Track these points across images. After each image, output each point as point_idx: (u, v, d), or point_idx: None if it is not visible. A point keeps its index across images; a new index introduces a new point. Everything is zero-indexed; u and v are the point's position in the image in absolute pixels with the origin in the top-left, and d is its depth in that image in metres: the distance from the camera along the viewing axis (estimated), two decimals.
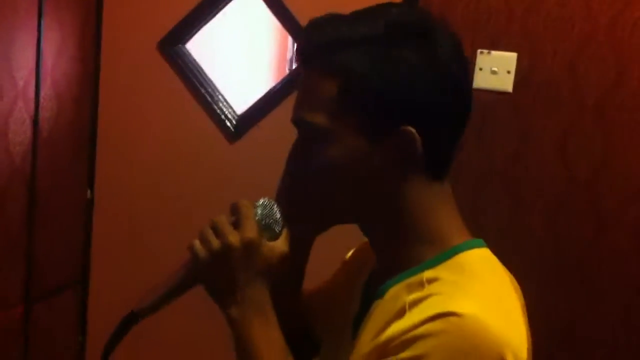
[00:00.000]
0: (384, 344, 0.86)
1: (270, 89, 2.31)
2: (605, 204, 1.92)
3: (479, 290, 0.88)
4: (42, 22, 2.02)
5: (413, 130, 0.86)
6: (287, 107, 2.12)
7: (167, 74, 2.27)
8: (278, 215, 0.92)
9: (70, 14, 2.17)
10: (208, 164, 2.26)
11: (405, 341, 0.83)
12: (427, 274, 0.89)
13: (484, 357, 0.83)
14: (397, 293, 0.90)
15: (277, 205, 0.93)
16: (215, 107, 2.26)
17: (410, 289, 0.89)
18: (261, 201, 0.93)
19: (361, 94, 0.86)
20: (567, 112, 1.93)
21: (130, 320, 0.95)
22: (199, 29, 2.28)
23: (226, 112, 2.27)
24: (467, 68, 0.93)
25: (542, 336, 0.98)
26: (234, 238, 0.89)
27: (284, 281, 1.00)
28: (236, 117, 2.27)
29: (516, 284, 0.96)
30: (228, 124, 2.25)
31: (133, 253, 2.36)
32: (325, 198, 0.92)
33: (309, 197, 0.93)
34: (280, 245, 0.93)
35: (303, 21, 2.08)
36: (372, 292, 0.96)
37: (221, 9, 2.28)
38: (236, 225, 0.91)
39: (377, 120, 0.87)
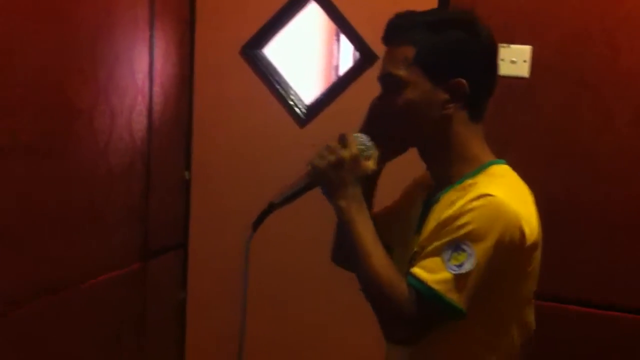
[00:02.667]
0: (443, 221, 1.31)
1: (330, 86, 2.80)
2: None
3: (504, 184, 1.36)
4: (153, 34, 2.52)
5: (463, 81, 1.35)
6: (342, 100, 2.62)
7: (248, 73, 2.74)
8: (368, 143, 1.41)
9: (172, 26, 2.66)
10: (283, 144, 2.71)
11: (457, 215, 1.29)
12: (468, 181, 1.36)
13: (508, 223, 1.29)
14: (448, 196, 1.37)
15: (368, 136, 1.41)
16: (288, 99, 2.76)
17: (458, 192, 1.35)
18: (358, 134, 1.41)
19: (429, 56, 1.36)
20: (572, 91, 2.37)
21: (268, 210, 1.42)
22: (273, 37, 2.78)
23: (297, 103, 2.76)
24: (496, 46, 1.42)
25: None
26: (344, 153, 1.37)
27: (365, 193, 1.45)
28: (305, 107, 2.77)
29: (530, 190, 1.42)
30: (298, 112, 2.75)
31: (223, 222, 2.82)
32: (402, 126, 1.40)
33: (390, 127, 1.41)
34: (371, 163, 1.41)
35: (360, 29, 2.57)
36: (429, 202, 1.43)
37: (289, 21, 2.78)
38: (343, 146, 1.38)
39: (439, 73, 1.36)
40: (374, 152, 1.41)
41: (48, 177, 2.08)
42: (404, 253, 1.44)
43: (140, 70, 2.48)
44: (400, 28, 1.39)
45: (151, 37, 2.52)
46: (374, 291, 1.33)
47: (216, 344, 2.81)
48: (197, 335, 2.92)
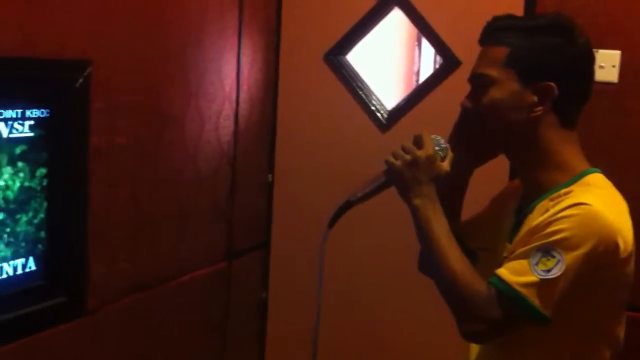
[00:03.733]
0: (534, 227, 1.31)
1: (412, 91, 2.82)
2: None
3: (601, 194, 1.34)
4: (241, 40, 2.60)
5: (553, 84, 1.35)
6: (424, 105, 2.63)
7: (331, 79, 2.79)
8: (444, 145, 1.43)
9: (258, 34, 2.74)
10: (364, 149, 2.74)
11: (550, 222, 1.29)
12: (563, 190, 1.35)
13: (603, 235, 1.27)
14: (542, 206, 1.36)
15: (443, 138, 1.43)
16: (370, 104, 2.79)
17: (552, 200, 1.34)
18: (434, 135, 1.43)
19: (521, 58, 1.37)
20: None
21: (344, 208, 1.45)
22: (356, 43, 2.82)
23: (378, 108, 2.79)
24: (592, 54, 1.41)
25: None
26: (420, 153, 1.40)
27: (447, 196, 1.45)
28: (387, 112, 2.80)
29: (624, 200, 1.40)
30: (380, 117, 2.78)
31: (304, 224, 2.85)
32: (487, 126, 1.41)
33: (476, 131, 1.42)
34: (445, 164, 1.42)
35: (443, 35, 2.59)
36: (522, 211, 1.42)
37: (373, 28, 2.81)
38: (418, 147, 1.40)
39: (529, 75, 1.36)
40: (449, 154, 1.43)
41: (141, 178, 2.18)
42: (492, 259, 1.44)
43: (228, 76, 2.57)
44: (496, 30, 1.41)
45: (239, 43, 2.61)
46: (449, 286, 1.35)
47: (296, 343, 2.85)
48: (277, 334, 2.99)
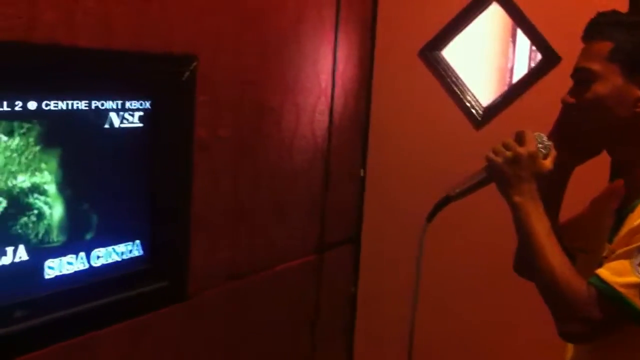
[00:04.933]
0: (636, 227, 1.29)
1: (510, 87, 2.78)
2: None
3: None
4: (337, 36, 2.63)
5: None
6: (520, 102, 2.59)
7: (426, 74, 2.78)
8: (547, 142, 1.40)
9: (355, 28, 2.76)
10: (458, 146, 2.72)
11: None
12: None
13: None
14: None
15: (546, 136, 1.41)
16: (465, 101, 2.77)
17: None
18: (537, 132, 1.41)
19: (626, 52, 1.35)
20: None
21: (443, 202, 1.45)
22: (452, 39, 2.80)
23: (474, 104, 2.77)
24: None
25: None
26: (522, 150, 1.38)
27: (546, 196, 1.42)
28: (482, 109, 2.77)
29: None
30: (475, 114, 2.76)
31: (395, 220, 2.87)
32: (590, 121, 1.39)
33: (578, 127, 1.40)
34: (548, 163, 1.39)
35: (543, 30, 2.54)
36: (623, 211, 1.39)
37: (469, 23, 2.79)
38: (520, 143, 1.38)
39: (634, 70, 1.35)
40: (552, 152, 1.40)
41: (240, 170, 2.25)
42: (591, 259, 1.42)
43: (324, 71, 2.60)
44: (600, 25, 1.39)
45: (335, 39, 2.64)
46: (549, 285, 1.33)
47: (384, 339, 2.88)
48: (366, 329, 3.01)
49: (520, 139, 1.40)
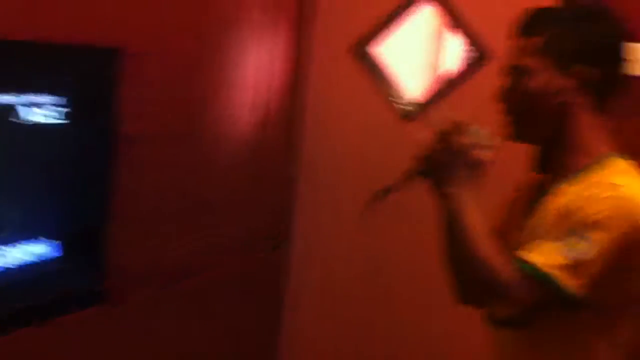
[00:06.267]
0: (565, 209, 1.30)
1: (442, 84, 2.79)
2: None
3: (629, 177, 1.34)
4: (270, 32, 2.59)
5: (587, 69, 1.35)
6: (453, 98, 2.60)
7: (359, 71, 2.77)
8: (485, 132, 1.37)
9: (288, 25, 2.72)
10: (392, 143, 2.68)
11: (582, 204, 1.28)
12: (587, 173, 1.34)
13: (635, 217, 1.26)
14: (565, 189, 1.35)
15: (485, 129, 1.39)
16: (398, 97, 2.76)
17: (580, 182, 1.33)
18: (474, 125, 1.38)
19: (555, 45, 1.36)
20: None
21: (380, 195, 1.40)
22: (386, 35, 2.78)
23: (406, 101, 2.76)
24: (627, 39, 1.39)
25: None
26: (455, 140, 1.34)
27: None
28: (415, 105, 2.75)
29: None
30: (408, 110, 2.74)
31: (327, 219, 2.86)
32: (527, 116, 1.40)
33: (515, 117, 1.41)
34: (486, 153, 1.36)
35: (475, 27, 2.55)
36: (542, 195, 1.40)
37: (403, 20, 2.78)
38: (458, 133, 1.34)
39: (564, 61, 1.36)
40: (491, 142, 1.38)
41: (169, 167, 2.19)
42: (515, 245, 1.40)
43: (257, 67, 2.56)
44: (531, 21, 1.40)
45: (268, 35, 2.60)
46: (479, 272, 1.31)
47: (314, 338, 2.86)
48: (294, 329, 2.96)
49: (457, 129, 1.38)
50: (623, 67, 1.41)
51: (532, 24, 1.40)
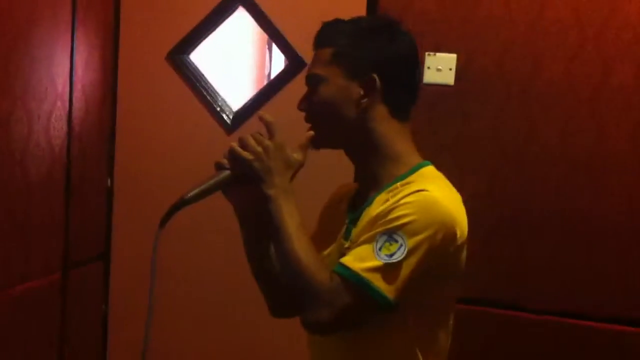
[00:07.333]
0: (376, 215, 1.34)
1: (258, 92, 2.77)
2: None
3: (438, 184, 1.39)
4: (74, 39, 2.45)
5: (375, 76, 1.40)
6: (271, 106, 2.61)
7: (174, 79, 2.71)
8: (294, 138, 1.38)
9: (94, 31, 2.60)
10: (210, 151, 2.61)
11: (392, 208, 1.32)
12: (400, 182, 1.39)
13: (443, 221, 1.32)
14: (381, 198, 1.39)
15: None
16: (215, 105, 2.72)
17: (390, 192, 1.37)
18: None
19: (345, 54, 1.41)
20: (497, 99, 2.41)
21: (179, 205, 1.36)
22: (200, 42, 2.74)
23: (224, 109, 2.73)
24: (414, 48, 1.47)
25: None
26: (269, 142, 1.36)
27: None
28: (232, 113, 2.73)
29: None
30: (225, 118, 2.72)
31: (147, 231, 2.76)
32: (323, 124, 1.43)
33: (312, 123, 1.44)
34: (299, 154, 1.39)
35: (289, 36, 2.57)
36: (359, 207, 1.43)
37: (217, 27, 2.75)
38: (269, 136, 1.37)
39: (353, 70, 1.41)
40: (303, 143, 1.41)
41: None
42: (333, 261, 1.41)
43: (60, 75, 2.41)
44: (324, 32, 1.45)
45: (72, 41, 2.46)
46: (296, 275, 1.32)
47: (138, 355, 2.74)
48: (119, 347, 2.85)
49: (269, 131, 1.39)
50: (412, 72, 1.47)
51: (324, 35, 1.45)
